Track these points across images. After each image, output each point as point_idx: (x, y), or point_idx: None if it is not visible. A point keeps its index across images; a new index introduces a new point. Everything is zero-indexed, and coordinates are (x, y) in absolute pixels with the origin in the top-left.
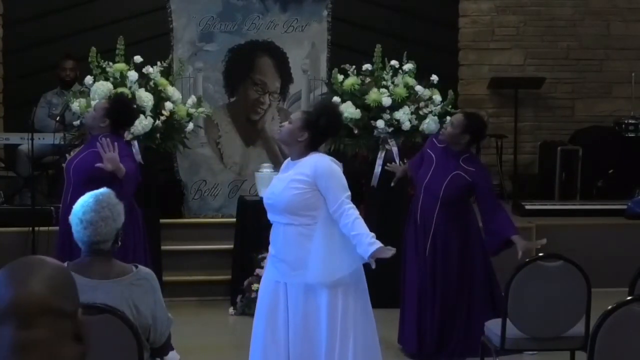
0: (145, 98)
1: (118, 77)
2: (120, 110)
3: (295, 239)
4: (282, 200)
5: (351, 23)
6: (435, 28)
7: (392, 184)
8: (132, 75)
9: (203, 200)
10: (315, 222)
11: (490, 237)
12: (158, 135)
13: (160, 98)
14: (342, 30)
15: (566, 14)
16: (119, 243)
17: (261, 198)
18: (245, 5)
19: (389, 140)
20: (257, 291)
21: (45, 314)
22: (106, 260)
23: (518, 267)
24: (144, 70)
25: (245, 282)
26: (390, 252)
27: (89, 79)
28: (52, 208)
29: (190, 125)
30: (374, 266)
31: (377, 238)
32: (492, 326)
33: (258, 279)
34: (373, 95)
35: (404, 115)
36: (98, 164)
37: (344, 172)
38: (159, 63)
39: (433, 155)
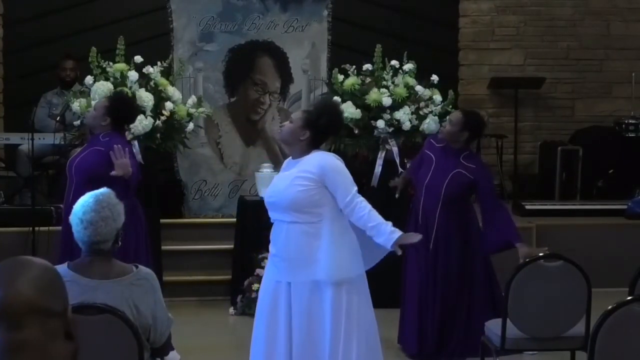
0: (146, 98)
1: (118, 77)
2: (120, 108)
3: (300, 237)
4: (287, 197)
5: (351, 23)
6: (436, 28)
7: (397, 196)
8: (133, 75)
9: (203, 200)
10: (319, 220)
11: (491, 237)
12: (158, 135)
13: (160, 98)
14: (343, 30)
15: (566, 14)
16: (119, 243)
17: (261, 198)
18: (246, 5)
19: (389, 140)
20: (257, 291)
21: (33, 314)
22: (106, 260)
23: (518, 267)
24: (144, 70)
25: (246, 282)
26: (417, 237)
27: (89, 79)
28: (52, 208)
29: (191, 125)
30: (399, 253)
31: None
32: (492, 326)
33: (258, 279)
34: (373, 95)
35: (404, 115)
36: (113, 172)
37: None
38: (159, 63)
39: (432, 156)
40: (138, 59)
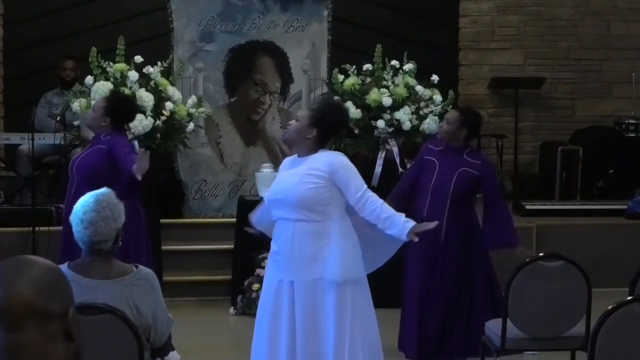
0: (146, 98)
1: (118, 77)
2: (119, 107)
3: (305, 235)
4: (295, 194)
5: (351, 23)
6: (436, 28)
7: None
8: (133, 75)
9: (203, 200)
10: (325, 219)
11: (489, 236)
12: (158, 135)
13: (160, 98)
14: (343, 30)
15: (566, 14)
16: (120, 243)
17: (261, 198)
18: (246, 5)
19: (389, 140)
20: (257, 291)
21: (32, 316)
22: (106, 260)
23: (518, 267)
24: (144, 70)
25: (246, 282)
26: (432, 224)
27: (89, 79)
28: (52, 208)
29: (191, 125)
30: (416, 239)
31: None
32: (493, 326)
33: (258, 279)
34: (373, 95)
35: (404, 115)
36: (134, 172)
37: None
38: (159, 63)
39: (434, 160)
40: (138, 59)
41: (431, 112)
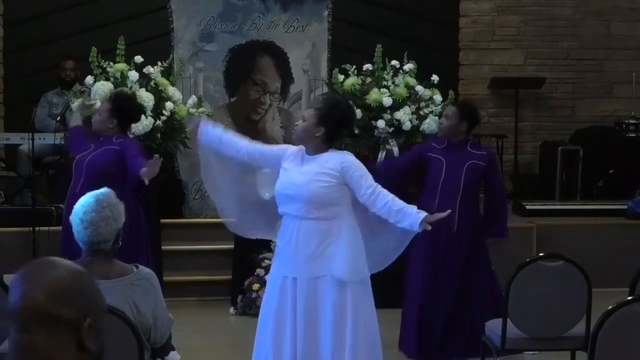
0: (146, 98)
1: (119, 77)
2: (124, 106)
3: (311, 232)
4: (307, 192)
5: (351, 23)
6: (436, 28)
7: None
8: (133, 75)
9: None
10: (333, 218)
11: (488, 225)
12: (159, 135)
13: (160, 98)
14: (343, 30)
15: (567, 14)
16: (120, 243)
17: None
18: (246, 5)
19: (389, 140)
20: (257, 291)
21: (41, 320)
22: (107, 260)
23: (518, 267)
24: (144, 70)
25: (246, 282)
26: (445, 213)
27: (89, 79)
28: (52, 208)
29: None
30: (429, 228)
31: None
32: (493, 326)
33: (258, 279)
34: (374, 95)
35: (404, 115)
36: (142, 175)
37: None
38: (159, 63)
39: (439, 157)
40: (138, 59)
41: (431, 112)
